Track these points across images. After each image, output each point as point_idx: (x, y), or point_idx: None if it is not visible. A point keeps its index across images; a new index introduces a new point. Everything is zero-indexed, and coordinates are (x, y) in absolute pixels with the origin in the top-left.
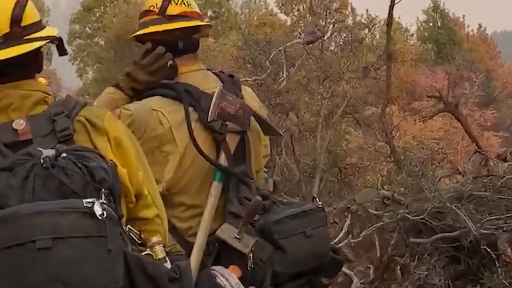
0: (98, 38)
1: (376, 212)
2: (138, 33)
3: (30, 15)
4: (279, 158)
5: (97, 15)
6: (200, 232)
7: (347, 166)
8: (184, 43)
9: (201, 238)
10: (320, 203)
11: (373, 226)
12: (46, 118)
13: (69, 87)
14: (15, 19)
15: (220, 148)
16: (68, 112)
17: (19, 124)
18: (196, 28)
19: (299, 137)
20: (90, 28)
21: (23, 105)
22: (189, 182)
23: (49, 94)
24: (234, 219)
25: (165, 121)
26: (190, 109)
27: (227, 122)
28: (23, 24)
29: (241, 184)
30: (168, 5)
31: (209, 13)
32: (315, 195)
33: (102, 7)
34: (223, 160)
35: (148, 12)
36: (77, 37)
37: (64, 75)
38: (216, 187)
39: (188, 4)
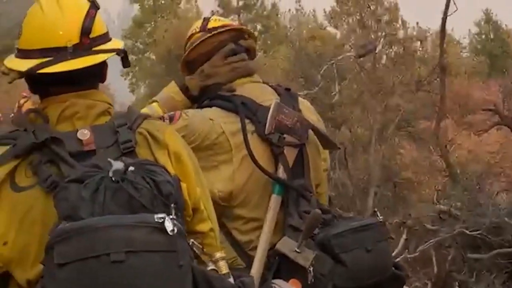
0: (150, 53)
1: (432, 227)
2: (186, 54)
3: (99, 27)
4: (333, 173)
5: (148, 30)
6: (260, 246)
7: (402, 181)
8: (233, 47)
9: (261, 252)
10: (381, 217)
11: (430, 241)
12: (110, 129)
13: (122, 102)
14: (85, 31)
15: (278, 161)
16: (130, 124)
17: (84, 134)
18: (242, 34)
19: (352, 151)
20: (141, 43)
21: (88, 115)
22: (248, 195)
23: (112, 105)
24: (294, 232)
25: (221, 131)
26: (247, 121)
27: (285, 135)
28: (92, 35)
29: (300, 198)
30: (208, 22)
31: (258, 27)
32: (375, 209)
33: (153, 22)
34: (281, 173)
35: (191, 36)
36: (129, 53)
37: (117, 90)
38: (275, 200)
39: (226, 21)
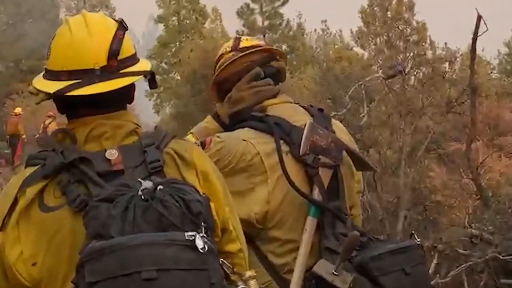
0: (175, 73)
1: (464, 252)
2: (216, 74)
3: (127, 48)
4: (362, 196)
5: (173, 50)
6: (297, 268)
7: (432, 204)
8: (263, 70)
9: (297, 274)
10: (418, 240)
11: (462, 266)
12: (137, 149)
13: (146, 122)
14: (112, 53)
15: (313, 182)
16: (158, 144)
17: (112, 154)
18: (273, 55)
19: (381, 174)
20: (166, 64)
21: (115, 135)
22: (283, 216)
23: (139, 126)
24: (331, 255)
25: (255, 151)
26: (281, 141)
27: (319, 156)
28: (119, 57)
29: (336, 220)
30: (239, 42)
31: (284, 47)
32: (413, 231)
33: (178, 42)
34: (316, 194)
35: (221, 55)
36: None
37: (142, 110)
38: (311, 222)
39: (257, 40)
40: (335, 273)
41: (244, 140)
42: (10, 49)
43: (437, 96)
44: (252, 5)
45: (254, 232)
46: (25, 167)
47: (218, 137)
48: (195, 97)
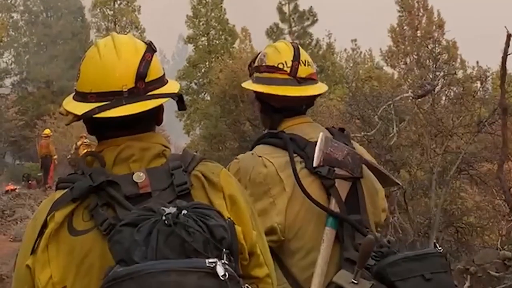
0: (204, 94)
1: (497, 274)
2: (269, 91)
3: (155, 70)
4: (392, 217)
5: (203, 70)
6: (315, 278)
7: (464, 225)
8: (306, 106)
9: (316, 284)
10: (441, 248)
11: None
12: (165, 171)
13: (177, 144)
14: (140, 76)
15: (330, 194)
16: (185, 167)
17: (139, 177)
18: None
19: (412, 195)
20: (196, 84)
21: (143, 157)
22: (302, 226)
23: (167, 147)
24: (351, 266)
25: (269, 164)
26: (295, 155)
27: (335, 168)
28: (147, 80)
29: (356, 232)
30: (298, 67)
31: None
32: (435, 241)
33: (207, 63)
34: (333, 206)
35: (276, 69)
36: (184, 93)
37: (172, 131)
38: (328, 233)
39: (312, 65)
40: (354, 281)
41: (259, 156)
42: (41, 70)
43: (468, 116)
44: (281, 25)
45: (278, 245)
46: (56, 190)
47: (236, 158)
48: (224, 118)
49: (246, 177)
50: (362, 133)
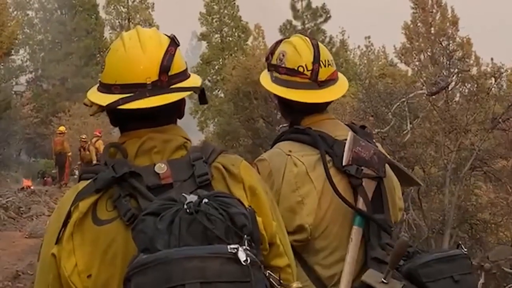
0: (218, 91)
1: (511, 271)
2: (289, 96)
3: (178, 64)
4: (406, 214)
5: (216, 68)
6: (343, 278)
7: (478, 222)
8: (327, 106)
9: (344, 283)
10: (465, 250)
11: (509, 285)
12: (186, 163)
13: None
14: (164, 69)
15: (357, 193)
16: (206, 158)
17: (161, 168)
18: None
19: (426, 192)
20: (210, 81)
21: (165, 149)
22: (329, 225)
23: (188, 140)
24: (378, 265)
25: (300, 163)
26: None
27: (362, 167)
28: (170, 73)
29: (381, 231)
30: (319, 69)
31: None
32: (460, 242)
33: (220, 60)
34: (361, 205)
35: (296, 72)
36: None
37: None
38: (356, 232)
39: (332, 63)
40: (384, 281)
41: (288, 154)
42: (56, 67)
43: (482, 113)
44: (294, 22)
45: (300, 245)
46: (79, 181)
47: (262, 159)
48: (238, 115)
49: (279, 178)
50: (376, 130)
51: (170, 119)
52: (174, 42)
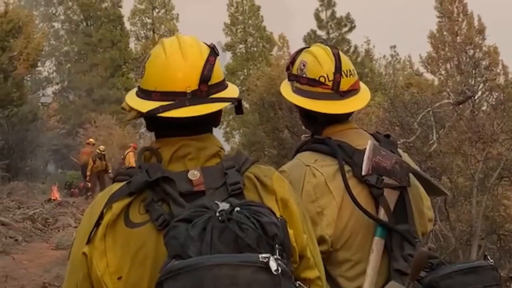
0: (243, 102)
1: None
2: (312, 107)
3: (217, 74)
4: (434, 225)
5: (241, 78)
6: None
7: (507, 233)
8: (349, 116)
9: None
10: (492, 261)
11: None
12: (219, 171)
13: None
14: (204, 79)
15: (378, 203)
16: (238, 167)
17: (194, 174)
18: None
19: (454, 202)
20: None
21: (199, 156)
22: (351, 236)
23: (222, 149)
24: (400, 277)
25: (319, 174)
26: (343, 163)
27: (383, 177)
28: (210, 83)
29: (404, 242)
30: (340, 79)
31: None
32: (486, 253)
33: (245, 70)
34: (382, 215)
35: (318, 82)
36: None
37: None
38: (378, 243)
39: (354, 73)
40: None
41: (307, 165)
42: (82, 78)
43: (509, 122)
44: (318, 32)
45: (324, 256)
46: (112, 183)
47: (281, 171)
48: (263, 125)
49: (299, 190)
50: (402, 140)
51: (206, 128)
52: (214, 52)
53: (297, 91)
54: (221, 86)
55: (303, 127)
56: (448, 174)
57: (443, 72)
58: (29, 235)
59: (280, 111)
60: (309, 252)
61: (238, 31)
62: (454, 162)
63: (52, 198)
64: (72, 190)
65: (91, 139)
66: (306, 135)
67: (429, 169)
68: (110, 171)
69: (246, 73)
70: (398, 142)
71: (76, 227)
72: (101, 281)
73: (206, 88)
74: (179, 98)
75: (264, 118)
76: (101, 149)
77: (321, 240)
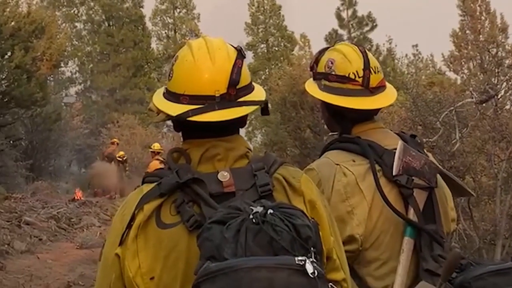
0: None
1: None
2: (343, 104)
3: (244, 77)
4: (457, 225)
5: (263, 77)
6: None
7: None
8: (376, 114)
9: None
10: None
11: None
12: (248, 172)
13: None
14: (233, 83)
15: (407, 203)
16: (267, 169)
17: (224, 176)
18: None
19: (477, 201)
20: None
21: (228, 157)
22: (380, 235)
23: (250, 150)
24: (431, 277)
25: (349, 173)
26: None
27: (413, 177)
28: (238, 86)
29: (433, 242)
30: (369, 75)
31: None
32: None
33: (267, 70)
34: (412, 215)
35: (348, 79)
36: None
37: None
38: (408, 243)
39: (380, 70)
40: None
41: (337, 164)
42: (105, 79)
43: None
44: (340, 31)
45: (351, 255)
46: (142, 184)
47: (310, 169)
48: (285, 125)
49: (329, 188)
50: (425, 139)
51: (234, 130)
52: (241, 55)
53: (325, 88)
54: (249, 89)
55: (325, 126)
56: (471, 173)
57: (465, 71)
58: (53, 234)
59: (302, 110)
60: (335, 254)
61: (260, 30)
62: (477, 161)
63: (76, 198)
64: (95, 190)
65: (115, 139)
66: (333, 133)
67: (452, 168)
68: (127, 169)
69: (267, 73)
70: (418, 140)
71: (99, 226)
72: (133, 282)
73: (234, 92)
74: (208, 101)
75: (286, 117)
76: (121, 155)
77: (351, 239)
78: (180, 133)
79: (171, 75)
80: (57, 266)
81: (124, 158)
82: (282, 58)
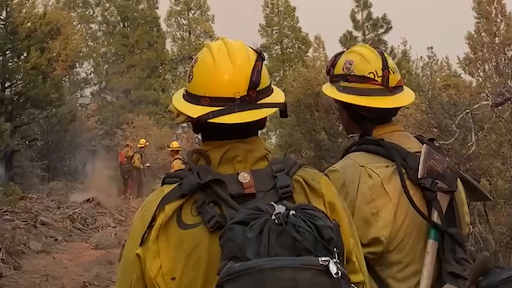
0: None
1: None
2: (364, 103)
3: (264, 79)
4: (473, 228)
5: (277, 79)
6: None
7: None
8: (395, 115)
9: None
10: None
11: None
12: (268, 174)
13: None
14: (253, 85)
15: (431, 207)
16: (287, 170)
17: (244, 177)
18: None
19: (493, 204)
20: None
21: (247, 158)
22: (404, 238)
23: (269, 152)
24: (455, 280)
25: (375, 175)
26: None
27: (437, 180)
28: (258, 88)
29: (455, 245)
30: (388, 75)
31: None
32: None
33: (281, 71)
34: (436, 218)
35: (367, 79)
36: None
37: None
38: (432, 245)
39: (397, 71)
40: None
41: (362, 166)
42: (120, 80)
43: None
44: (354, 33)
45: (375, 257)
46: (162, 185)
47: (334, 170)
48: (300, 127)
49: (354, 190)
50: (440, 142)
51: (253, 131)
52: (260, 57)
53: (345, 90)
54: (268, 91)
55: (340, 128)
56: (487, 176)
57: (481, 74)
58: (69, 234)
59: (316, 112)
60: (355, 256)
61: (274, 32)
62: (493, 164)
63: (91, 198)
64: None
65: (128, 142)
66: (352, 135)
67: (468, 171)
68: (142, 166)
69: (282, 75)
70: (436, 145)
71: (114, 227)
72: (154, 282)
73: (254, 94)
74: (228, 103)
75: (300, 119)
76: (142, 143)
77: (376, 241)
78: (197, 135)
79: (191, 77)
80: (73, 266)
81: (146, 144)
82: (296, 60)
